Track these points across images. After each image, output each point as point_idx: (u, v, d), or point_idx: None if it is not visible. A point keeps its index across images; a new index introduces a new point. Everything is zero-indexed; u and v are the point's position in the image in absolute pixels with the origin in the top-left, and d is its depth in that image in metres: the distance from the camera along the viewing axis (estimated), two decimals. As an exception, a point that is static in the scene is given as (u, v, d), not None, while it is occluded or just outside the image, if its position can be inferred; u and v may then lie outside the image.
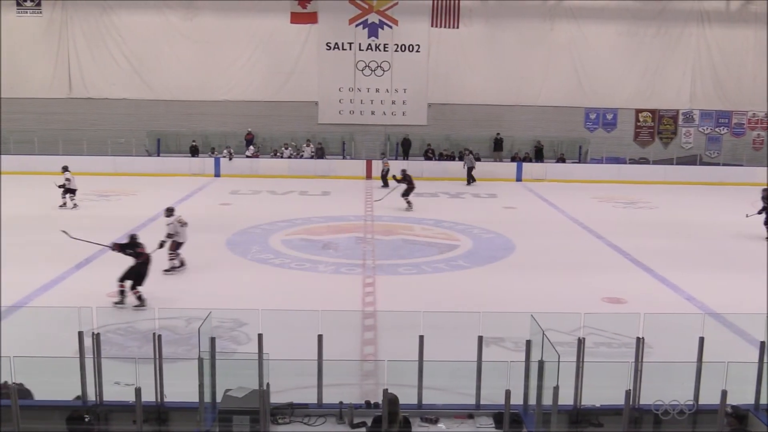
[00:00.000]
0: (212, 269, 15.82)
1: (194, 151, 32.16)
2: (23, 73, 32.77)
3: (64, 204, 22.70)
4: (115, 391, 7.52)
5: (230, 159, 31.12)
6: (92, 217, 21.27)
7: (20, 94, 32.67)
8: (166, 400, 7.23)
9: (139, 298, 12.84)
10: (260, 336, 7.16)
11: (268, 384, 6.67)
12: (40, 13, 32.64)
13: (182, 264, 15.54)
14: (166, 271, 15.13)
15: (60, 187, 22.54)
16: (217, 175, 30.78)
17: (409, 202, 23.43)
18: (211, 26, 32.74)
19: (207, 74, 32.95)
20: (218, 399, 6.96)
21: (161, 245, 14.62)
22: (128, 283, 12.92)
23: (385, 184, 27.54)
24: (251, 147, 32.64)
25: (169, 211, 15.96)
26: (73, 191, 22.94)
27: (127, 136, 32.29)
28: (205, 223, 20.52)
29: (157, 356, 7.18)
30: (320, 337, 7.27)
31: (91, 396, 7.51)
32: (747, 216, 19.65)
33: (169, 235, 15.37)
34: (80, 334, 7.47)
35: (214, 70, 32.97)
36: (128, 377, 7.42)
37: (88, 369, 7.46)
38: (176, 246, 15.49)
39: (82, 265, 15.80)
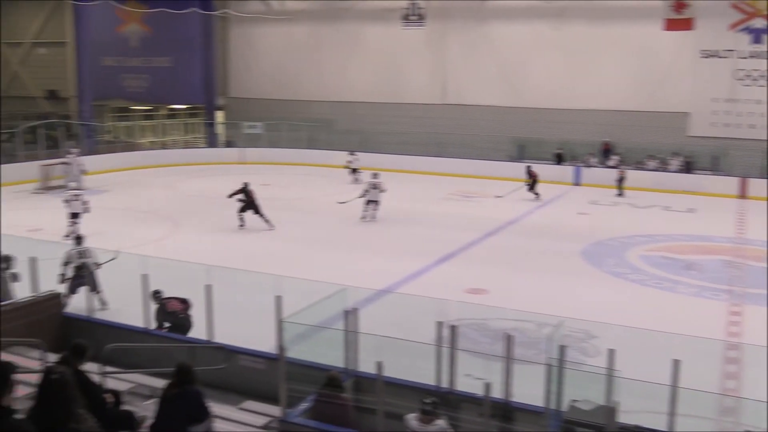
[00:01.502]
0: (564, 278, 15.77)
1: (559, 159, 32.23)
2: (405, 81, 35.95)
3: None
4: (466, 383, 7.90)
5: (592, 167, 30.69)
6: (454, 216, 22.54)
7: (401, 100, 35.89)
8: (512, 399, 7.40)
9: None
10: (611, 351, 6.96)
11: (617, 402, 6.46)
12: (424, 26, 35.47)
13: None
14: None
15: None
16: (577, 183, 30.56)
17: None
18: (580, 34, 32.58)
19: (573, 82, 32.88)
20: (563, 408, 6.94)
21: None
22: None
23: None
24: (613, 157, 31.80)
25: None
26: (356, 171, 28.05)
27: (492, 141, 33.59)
28: (561, 231, 20.59)
29: (508, 356, 7.37)
30: (676, 361, 6.83)
31: (444, 383, 8.00)
32: None
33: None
34: (439, 324, 7.97)
35: (580, 79, 32.77)
36: (479, 371, 7.76)
37: (443, 357, 7.95)
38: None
39: (445, 259, 16.87)
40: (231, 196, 20.09)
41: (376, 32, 36.51)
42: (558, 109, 33.15)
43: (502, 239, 19.69)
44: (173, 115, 40.38)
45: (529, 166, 26.96)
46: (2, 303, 10.60)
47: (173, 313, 10.84)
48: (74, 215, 18.70)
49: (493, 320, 12.25)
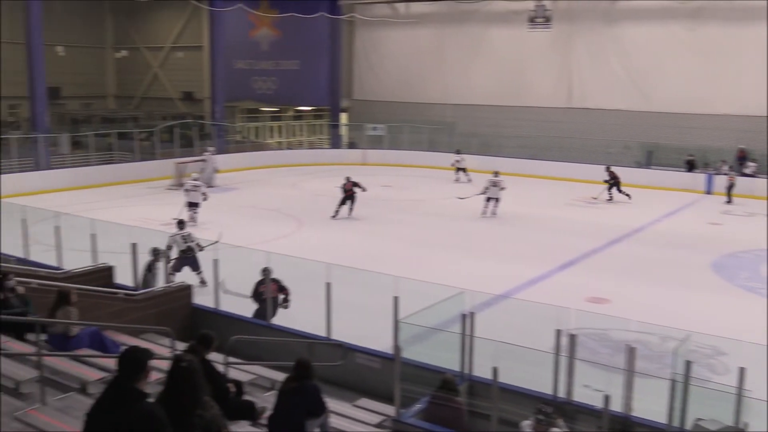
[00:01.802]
0: (692, 290, 15.09)
1: (690, 166, 30.83)
2: (529, 84, 35.38)
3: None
4: (584, 394, 7.71)
5: (726, 174, 29.18)
6: (577, 222, 22.00)
7: (524, 103, 35.35)
8: (632, 413, 7.17)
9: None
10: (741, 369, 6.60)
11: (746, 423, 6.13)
12: (550, 28, 34.83)
13: None
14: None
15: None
16: (709, 191, 29.11)
17: None
18: (716, 36, 30.99)
19: (707, 86, 31.31)
20: (686, 426, 6.65)
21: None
22: None
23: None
24: (750, 164, 30.07)
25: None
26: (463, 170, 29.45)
27: (618, 146, 32.57)
28: (691, 242, 19.70)
29: (629, 368, 7.14)
30: (815, 384, 6.41)
31: (561, 393, 7.83)
32: None
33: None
34: (557, 332, 7.82)
35: (715, 83, 31.17)
36: (598, 383, 7.55)
37: (561, 366, 7.79)
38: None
39: (566, 266, 16.52)
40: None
41: (500, 34, 36.16)
42: (690, 114, 31.70)
43: (626, 247, 19.06)
44: (299, 116, 41.56)
45: (608, 167, 26.46)
46: (138, 292, 11.27)
47: (259, 294, 11.37)
48: (192, 204, 20.22)
49: (615, 331, 11.88)
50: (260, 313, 11.29)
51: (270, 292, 11.16)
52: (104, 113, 40.68)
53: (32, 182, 25.20)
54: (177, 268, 13.56)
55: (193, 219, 19.77)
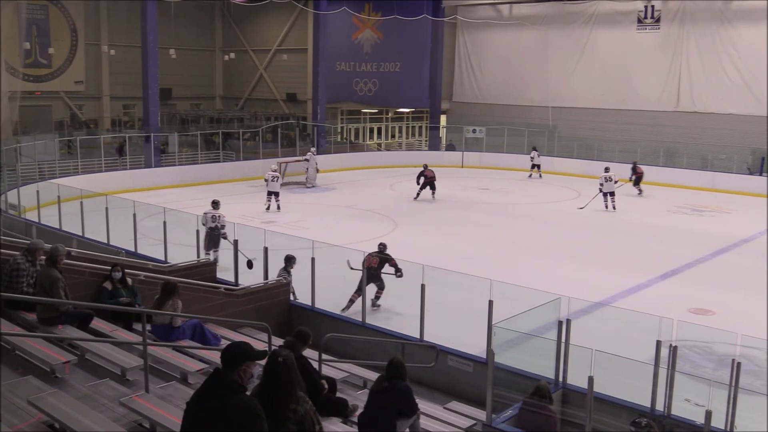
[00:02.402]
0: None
1: (806, 173, 29.23)
2: (634, 86, 34.35)
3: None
4: (684, 408, 7.45)
5: None
6: (682, 231, 21.22)
7: (629, 107, 34.39)
8: (736, 431, 6.87)
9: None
10: None
11: None
12: (659, 29, 33.71)
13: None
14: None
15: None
16: (827, 201, 27.47)
17: None
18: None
19: (826, 89, 29.57)
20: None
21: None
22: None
23: None
24: None
25: None
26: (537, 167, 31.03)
27: (729, 152, 31.18)
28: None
29: (733, 384, 6.85)
30: None
31: (659, 406, 7.59)
32: None
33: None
34: (658, 343, 7.58)
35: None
36: (699, 397, 7.27)
37: (660, 378, 7.55)
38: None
39: (668, 276, 15.97)
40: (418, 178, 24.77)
41: (605, 36, 35.27)
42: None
43: (734, 257, 18.24)
44: (399, 118, 41.82)
45: (635, 162, 27.86)
46: (237, 287, 11.63)
47: (370, 267, 11.98)
48: (273, 193, 22.44)
49: (719, 344, 11.39)
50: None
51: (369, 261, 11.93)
52: (212, 113, 42.17)
53: (143, 179, 26.42)
54: (206, 246, 14.67)
55: (275, 207, 22.25)
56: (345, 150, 35.93)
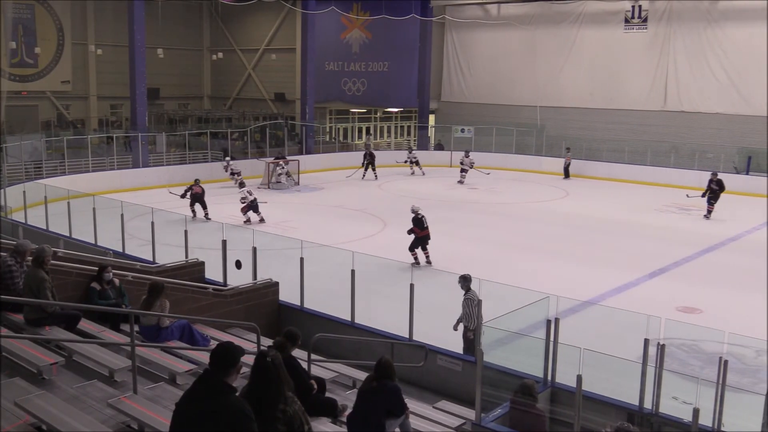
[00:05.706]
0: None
1: (794, 172, 29.36)
2: (622, 86, 34.50)
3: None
4: (672, 406, 7.48)
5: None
6: (673, 230, 21.32)
7: (616, 106, 34.54)
8: (723, 429, 6.91)
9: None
10: None
11: None
12: (646, 29, 33.86)
13: None
14: None
15: None
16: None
17: None
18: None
19: (815, 89, 29.78)
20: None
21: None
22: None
23: None
24: None
25: None
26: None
27: (715, 151, 31.36)
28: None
29: (721, 382, 6.89)
30: None
31: (647, 404, 7.61)
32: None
33: None
34: (646, 341, 7.61)
35: (824, 85, 29.59)
36: (686, 395, 7.31)
37: (649, 377, 7.58)
38: None
39: (655, 274, 16.05)
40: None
41: (593, 36, 35.41)
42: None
43: (721, 256, 18.35)
44: (387, 117, 41.81)
45: (714, 173, 23.80)
46: (225, 288, 11.60)
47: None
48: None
49: (706, 342, 11.46)
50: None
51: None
52: (200, 113, 42.02)
53: (130, 179, 26.29)
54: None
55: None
56: (334, 150, 35.87)
